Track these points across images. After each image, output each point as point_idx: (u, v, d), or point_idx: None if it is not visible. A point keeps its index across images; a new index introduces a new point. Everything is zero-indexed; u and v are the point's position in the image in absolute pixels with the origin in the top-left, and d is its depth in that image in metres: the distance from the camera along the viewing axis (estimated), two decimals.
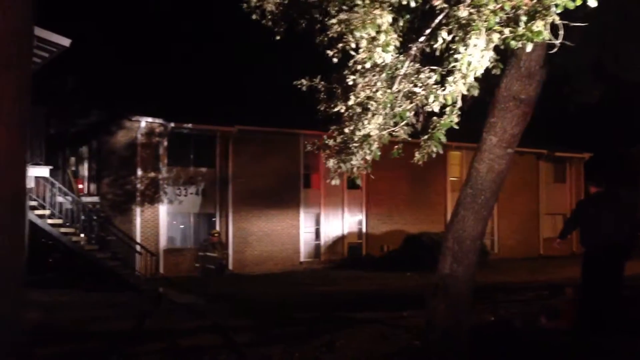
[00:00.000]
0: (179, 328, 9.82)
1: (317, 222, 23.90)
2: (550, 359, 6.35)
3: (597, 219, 7.68)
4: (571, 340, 7.15)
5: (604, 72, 8.29)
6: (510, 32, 4.66)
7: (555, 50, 4.97)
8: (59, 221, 16.01)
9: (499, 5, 4.60)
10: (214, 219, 21.66)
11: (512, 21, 4.75)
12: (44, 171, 15.12)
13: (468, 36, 4.89)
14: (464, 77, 5.13)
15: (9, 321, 3.86)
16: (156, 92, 22.60)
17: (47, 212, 15.75)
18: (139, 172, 20.14)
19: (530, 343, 7.19)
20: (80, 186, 21.52)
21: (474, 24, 4.73)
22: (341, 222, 24.36)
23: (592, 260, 7.68)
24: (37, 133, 14.37)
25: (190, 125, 20.97)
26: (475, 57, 4.98)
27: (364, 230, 24.83)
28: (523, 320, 8.48)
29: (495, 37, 4.84)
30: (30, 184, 14.75)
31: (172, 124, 20.51)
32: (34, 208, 15.21)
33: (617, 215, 7.61)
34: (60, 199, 16.46)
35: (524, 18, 4.61)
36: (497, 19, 4.69)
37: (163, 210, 20.56)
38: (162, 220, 20.50)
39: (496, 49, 5.15)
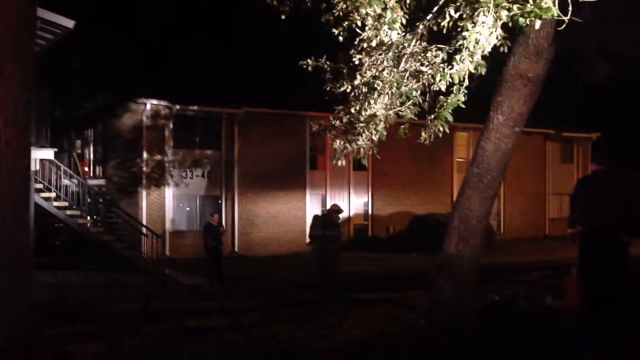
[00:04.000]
0: (186, 309, 9.87)
1: (323, 204, 23.91)
2: (554, 338, 6.34)
3: (594, 198, 7.51)
4: (575, 320, 7.14)
5: (613, 50, 8.18)
6: (519, 8, 4.58)
7: (564, 27, 4.89)
8: (65, 204, 16.08)
9: None
10: (220, 201, 21.72)
11: None
12: (48, 154, 15.15)
13: (476, 13, 4.82)
14: (472, 55, 5.06)
15: (17, 302, 3.89)
16: (162, 74, 22.52)
17: (52, 194, 15.81)
18: (145, 155, 20.17)
19: (535, 322, 7.19)
20: (86, 169, 21.62)
21: (482, 0, 4.65)
22: (347, 204, 24.36)
23: (590, 240, 7.54)
24: (42, 115, 14.37)
25: (195, 107, 20.95)
26: (483, 34, 4.91)
27: (369, 211, 24.85)
28: (528, 300, 8.46)
29: (504, 14, 4.76)
30: (35, 166, 14.78)
31: (178, 106, 20.48)
32: (39, 190, 15.26)
33: (616, 194, 7.44)
34: (66, 181, 16.52)
35: None
36: None
37: (169, 192, 20.62)
38: (167, 203, 20.58)
39: (504, 26, 5.07)
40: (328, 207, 23.84)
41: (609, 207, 7.33)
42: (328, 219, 12.50)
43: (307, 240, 12.60)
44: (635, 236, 7.58)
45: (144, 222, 19.52)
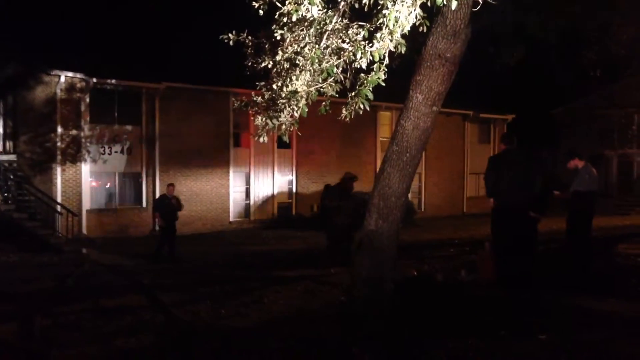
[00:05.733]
0: (102, 289, 9.60)
1: (247, 182, 23.76)
2: (466, 310, 6.62)
3: (502, 176, 7.85)
4: (487, 293, 7.46)
5: (527, 33, 8.49)
6: None
7: (478, 8, 5.02)
8: None
9: None
10: (140, 179, 21.12)
11: None
12: None
13: None
14: (391, 33, 5.11)
15: None
16: (78, 45, 21.53)
17: None
18: (59, 130, 19.23)
19: (449, 296, 7.46)
20: None
21: None
22: (271, 182, 24.33)
23: (499, 215, 7.88)
24: None
25: (114, 81, 20.12)
26: (403, 13, 4.96)
27: (294, 189, 24.90)
28: (444, 275, 8.77)
29: None
30: None
31: (95, 80, 19.61)
32: None
33: (522, 172, 7.78)
34: None
35: None
36: None
37: (86, 169, 19.82)
38: (84, 180, 19.78)
39: (423, 6, 5.15)
40: (252, 185, 23.83)
41: (517, 185, 7.67)
42: (343, 188, 11.41)
43: (320, 211, 11.54)
44: (544, 213, 7.99)
45: (59, 200, 18.71)
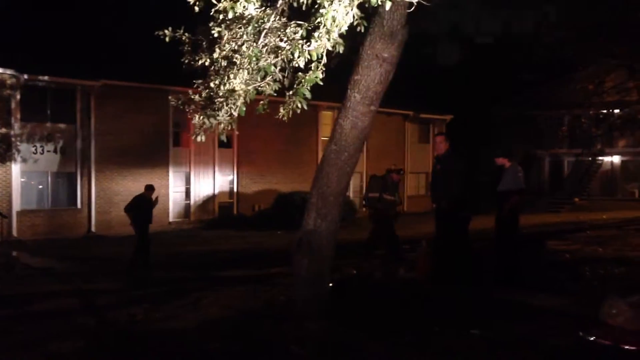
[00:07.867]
0: (33, 292, 9.24)
1: (187, 182, 23.41)
2: (403, 307, 6.72)
3: (437, 176, 8.09)
4: (423, 290, 7.61)
5: (462, 34, 8.70)
6: None
7: (413, 9, 5.10)
8: None
9: None
10: (74, 179, 20.47)
11: None
12: None
13: None
14: (329, 32, 5.11)
15: None
16: (8, 40, 20.61)
17: None
18: None
19: (387, 294, 7.57)
20: None
21: None
22: (212, 182, 24.05)
23: (437, 215, 8.14)
24: None
25: (46, 77, 19.44)
26: (340, 12, 4.98)
27: (235, 189, 24.70)
28: (383, 273, 8.89)
29: None
30: None
31: (26, 76, 18.91)
32: None
33: (455, 172, 8.00)
34: None
35: None
36: None
37: (16, 169, 19.08)
38: (15, 180, 19.04)
39: (361, 6, 5.18)
40: (192, 184, 23.45)
41: (449, 185, 7.90)
42: (388, 180, 11.10)
43: (363, 203, 11.52)
44: (474, 211, 8.23)
45: None
